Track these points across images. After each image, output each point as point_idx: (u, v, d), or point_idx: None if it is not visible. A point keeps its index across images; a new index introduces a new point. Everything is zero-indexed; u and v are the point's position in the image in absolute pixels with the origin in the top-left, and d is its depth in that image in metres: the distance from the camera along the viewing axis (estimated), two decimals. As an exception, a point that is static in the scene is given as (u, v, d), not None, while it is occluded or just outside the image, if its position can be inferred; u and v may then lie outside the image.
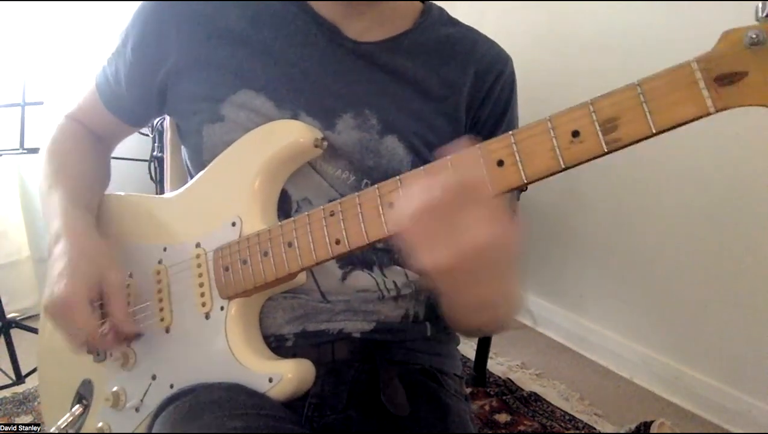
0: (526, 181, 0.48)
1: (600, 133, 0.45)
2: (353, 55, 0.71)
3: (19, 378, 1.68)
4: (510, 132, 0.49)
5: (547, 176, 0.48)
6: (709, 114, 0.43)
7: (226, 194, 0.69)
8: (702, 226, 1.58)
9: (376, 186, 0.56)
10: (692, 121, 0.43)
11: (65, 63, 2.03)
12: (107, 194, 0.83)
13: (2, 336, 1.70)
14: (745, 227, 1.53)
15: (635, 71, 1.59)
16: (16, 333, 1.72)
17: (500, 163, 0.49)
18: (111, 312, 0.66)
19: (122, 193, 0.82)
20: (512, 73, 0.78)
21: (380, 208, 0.55)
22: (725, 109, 0.42)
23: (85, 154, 0.82)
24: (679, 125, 0.43)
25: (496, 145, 0.49)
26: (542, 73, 1.88)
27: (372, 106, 0.70)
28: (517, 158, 0.48)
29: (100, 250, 0.68)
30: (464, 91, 0.74)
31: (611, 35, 1.78)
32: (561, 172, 0.47)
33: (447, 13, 0.80)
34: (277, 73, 0.70)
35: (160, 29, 0.73)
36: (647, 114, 0.43)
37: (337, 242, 0.58)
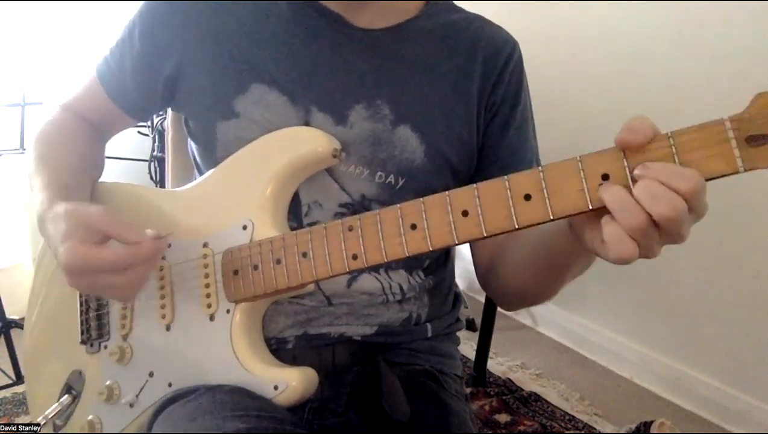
0: (552, 218, 0.49)
1: (630, 179, 0.45)
2: (362, 44, 0.71)
3: (19, 378, 1.68)
4: (539, 167, 0.49)
5: (573, 215, 0.49)
6: (737, 172, 0.44)
7: (239, 196, 0.68)
8: (702, 226, 1.58)
9: (398, 205, 0.55)
10: (720, 177, 0.44)
11: (65, 63, 2.03)
12: (110, 183, 0.81)
13: (2, 336, 1.70)
14: (746, 227, 1.53)
15: (635, 72, 1.59)
16: (16, 334, 1.72)
17: (527, 197, 0.49)
18: (122, 239, 0.60)
19: (125, 183, 0.81)
20: (520, 56, 0.78)
21: (401, 227, 0.55)
22: (753, 169, 0.44)
23: (71, 142, 0.79)
24: (706, 180, 0.44)
25: (524, 179, 0.50)
26: (544, 71, 1.88)
27: (384, 96, 0.70)
28: (545, 194, 0.48)
29: (73, 206, 0.63)
30: (475, 77, 0.73)
31: (612, 34, 1.78)
32: (587, 212, 0.48)
33: (452, 2, 0.80)
34: (287, 66, 0.70)
35: (168, 22, 0.73)
36: (678, 165, 0.44)
37: (354, 257, 0.57)
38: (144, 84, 0.77)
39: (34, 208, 0.70)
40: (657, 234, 0.45)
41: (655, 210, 0.43)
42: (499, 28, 0.79)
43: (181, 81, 0.74)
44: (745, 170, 0.44)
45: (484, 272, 0.77)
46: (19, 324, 1.74)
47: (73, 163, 0.76)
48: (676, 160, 0.44)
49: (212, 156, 0.73)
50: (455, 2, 0.80)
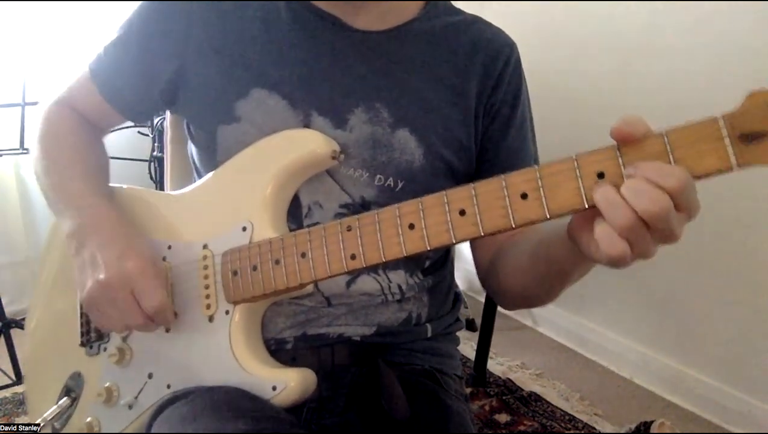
0: (548, 217, 0.48)
1: (625, 177, 0.45)
2: (361, 46, 0.71)
3: (19, 378, 1.68)
4: (535, 166, 0.49)
5: (569, 213, 0.49)
6: (731, 169, 0.44)
7: (238, 198, 0.68)
8: (701, 226, 1.58)
9: (396, 205, 0.55)
10: (714, 174, 0.44)
11: (65, 63, 2.03)
12: (111, 186, 0.81)
13: (2, 336, 1.70)
14: (745, 227, 1.52)
15: (634, 72, 1.58)
16: (16, 334, 1.72)
17: (524, 196, 0.49)
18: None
19: (125, 186, 0.81)
20: (519, 58, 0.78)
21: (399, 227, 0.55)
22: (747, 165, 0.43)
23: (88, 143, 0.79)
24: (701, 177, 0.44)
25: (520, 178, 0.50)
26: (543, 71, 1.88)
27: (383, 99, 0.70)
28: (542, 193, 0.48)
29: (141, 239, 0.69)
30: (473, 79, 0.74)
31: (610, 34, 1.78)
32: (584, 211, 0.48)
33: (451, 4, 0.80)
34: (287, 70, 0.70)
35: (169, 26, 0.73)
36: (672, 163, 0.44)
37: (353, 257, 0.57)
38: (142, 86, 0.76)
39: (56, 203, 0.71)
40: (648, 233, 0.44)
41: (639, 206, 0.43)
42: (497, 30, 0.79)
43: (182, 85, 0.74)
44: (739, 167, 0.43)
45: (484, 272, 0.78)
46: (19, 324, 1.74)
47: (98, 166, 0.78)
48: (671, 158, 0.44)
49: (213, 159, 0.72)
50: (454, 3, 0.80)
